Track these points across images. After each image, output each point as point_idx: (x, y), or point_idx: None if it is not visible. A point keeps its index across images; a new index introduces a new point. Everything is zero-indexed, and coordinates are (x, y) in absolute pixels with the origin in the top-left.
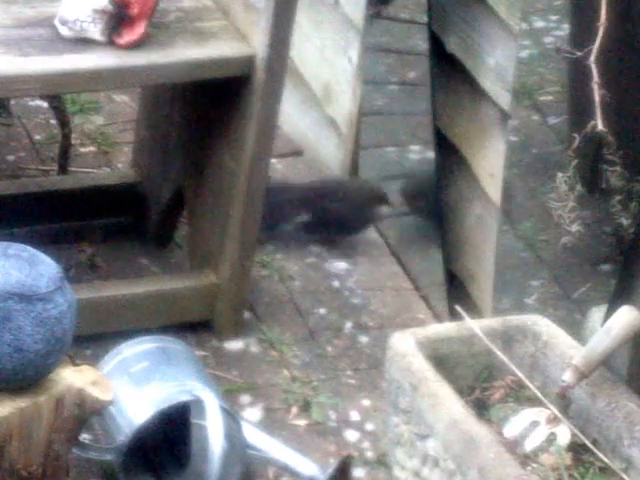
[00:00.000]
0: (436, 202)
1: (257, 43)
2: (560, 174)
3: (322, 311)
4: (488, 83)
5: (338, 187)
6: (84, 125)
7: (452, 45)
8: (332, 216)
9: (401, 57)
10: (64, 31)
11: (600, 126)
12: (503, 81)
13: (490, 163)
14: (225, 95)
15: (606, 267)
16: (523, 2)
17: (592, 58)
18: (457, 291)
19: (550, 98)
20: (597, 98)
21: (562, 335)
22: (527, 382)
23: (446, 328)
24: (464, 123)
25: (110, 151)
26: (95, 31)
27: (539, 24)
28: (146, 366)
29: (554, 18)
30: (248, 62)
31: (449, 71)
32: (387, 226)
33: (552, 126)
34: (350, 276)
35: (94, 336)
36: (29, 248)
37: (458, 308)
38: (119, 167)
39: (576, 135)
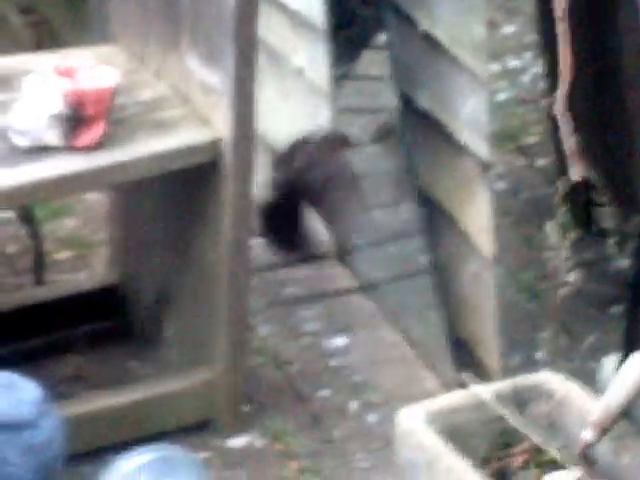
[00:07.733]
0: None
1: (220, 126)
2: (549, 223)
3: (324, 393)
4: (464, 135)
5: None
6: (57, 230)
7: (423, 100)
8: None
9: (374, 115)
10: (20, 141)
11: (576, 176)
12: (479, 130)
13: (478, 216)
14: (196, 182)
15: (615, 309)
16: (491, 44)
17: (558, 108)
18: (463, 355)
19: (535, 139)
20: (569, 147)
21: (576, 390)
22: (546, 446)
23: (455, 398)
24: (446, 179)
25: (87, 254)
26: (52, 137)
27: (513, 63)
28: None
29: (528, 55)
30: (214, 147)
31: (424, 127)
32: (382, 292)
33: (540, 168)
34: (349, 352)
35: (91, 452)
36: (7, 374)
37: (464, 375)
38: (99, 269)
39: (560, 183)
